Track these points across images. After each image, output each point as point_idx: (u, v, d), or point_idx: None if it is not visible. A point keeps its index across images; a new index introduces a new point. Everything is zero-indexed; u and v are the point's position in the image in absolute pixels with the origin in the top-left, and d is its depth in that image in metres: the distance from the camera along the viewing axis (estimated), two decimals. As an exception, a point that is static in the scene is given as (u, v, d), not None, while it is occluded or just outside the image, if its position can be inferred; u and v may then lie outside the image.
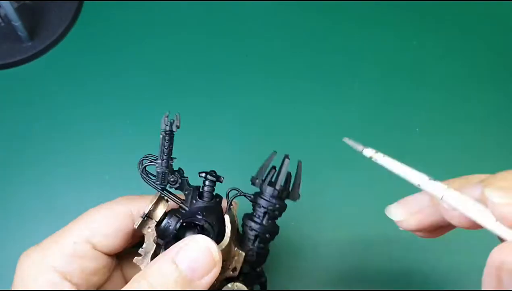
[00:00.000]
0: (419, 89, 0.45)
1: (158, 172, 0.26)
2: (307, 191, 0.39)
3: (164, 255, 0.23)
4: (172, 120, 0.26)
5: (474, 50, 0.47)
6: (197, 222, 0.26)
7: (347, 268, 0.37)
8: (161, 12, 0.47)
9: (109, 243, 0.26)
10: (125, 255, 0.29)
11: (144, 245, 0.27)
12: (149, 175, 0.27)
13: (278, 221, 0.39)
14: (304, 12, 0.48)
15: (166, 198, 0.27)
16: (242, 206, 0.30)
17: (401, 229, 0.25)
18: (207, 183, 0.28)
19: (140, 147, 0.41)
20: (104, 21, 0.47)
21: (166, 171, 0.26)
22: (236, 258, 0.27)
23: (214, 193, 0.28)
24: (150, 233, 0.27)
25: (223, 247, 0.25)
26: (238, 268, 0.27)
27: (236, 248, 0.27)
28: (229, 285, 0.27)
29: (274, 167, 0.28)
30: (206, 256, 0.23)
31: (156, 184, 0.27)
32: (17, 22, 0.42)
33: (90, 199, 0.37)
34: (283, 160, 0.28)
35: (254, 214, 0.28)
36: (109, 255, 0.27)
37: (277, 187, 0.27)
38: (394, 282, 0.37)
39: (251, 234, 0.27)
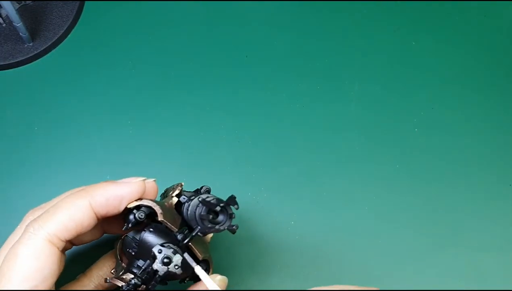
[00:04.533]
0: (418, 89, 0.45)
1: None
2: (307, 190, 0.40)
3: None
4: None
5: (474, 51, 0.47)
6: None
7: (348, 267, 0.37)
8: (162, 12, 0.48)
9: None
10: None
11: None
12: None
13: (278, 220, 0.39)
14: (304, 12, 0.49)
15: None
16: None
17: None
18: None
19: (141, 147, 0.41)
20: (106, 21, 0.47)
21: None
22: None
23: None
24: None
25: None
26: None
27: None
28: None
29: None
30: None
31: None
32: (18, 23, 0.42)
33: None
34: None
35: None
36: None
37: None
38: (396, 281, 0.37)
39: None
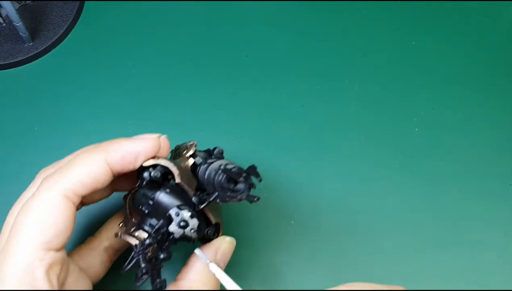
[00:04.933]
0: (418, 89, 0.45)
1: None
2: (307, 190, 0.40)
3: None
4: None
5: (474, 50, 0.47)
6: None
7: (348, 267, 0.37)
8: (162, 12, 0.48)
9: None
10: None
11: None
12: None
13: (279, 220, 0.39)
14: (304, 12, 0.49)
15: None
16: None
17: None
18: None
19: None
20: (106, 21, 0.47)
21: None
22: None
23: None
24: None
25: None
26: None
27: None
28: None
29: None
30: None
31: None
32: (18, 23, 0.42)
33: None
34: None
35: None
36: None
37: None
38: (396, 282, 0.37)
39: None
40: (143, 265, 0.25)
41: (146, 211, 0.27)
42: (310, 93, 0.44)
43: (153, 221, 0.27)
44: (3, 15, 0.45)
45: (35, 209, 0.24)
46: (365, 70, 0.45)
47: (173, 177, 0.27)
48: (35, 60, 0.44)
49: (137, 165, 0.27)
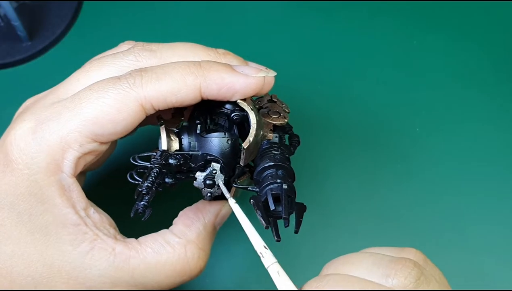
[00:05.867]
0: (419, 89, 0.45)
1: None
2: (307, 190, 0.39)
3: None
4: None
5: (475, 50, 0.47)
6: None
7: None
8: (162, 12, 0.47)
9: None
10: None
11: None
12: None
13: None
14: (304, 12, 0.49)
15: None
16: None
17: None
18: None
19: (139, 147, 0.41)
20: (104, 21, 0.47)
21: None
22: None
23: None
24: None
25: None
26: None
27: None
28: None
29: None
30: None
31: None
32: (16, 22, 0.42)
33: (92, 198, 0.37)
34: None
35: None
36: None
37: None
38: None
39: None
40: (149, 179, 0.23)
41: (198, 130, 0.25)
42: (309, 95, 0.44)
43: (192, 145, 0.25)
44: (1, 14, 0.44)
45: (103, 100, 0.24)
46: (365, 70, 0.46)
47: (245, 131, 0.24)
48: (33, 59, 0.44)
49: (231, 100, 0.25)
